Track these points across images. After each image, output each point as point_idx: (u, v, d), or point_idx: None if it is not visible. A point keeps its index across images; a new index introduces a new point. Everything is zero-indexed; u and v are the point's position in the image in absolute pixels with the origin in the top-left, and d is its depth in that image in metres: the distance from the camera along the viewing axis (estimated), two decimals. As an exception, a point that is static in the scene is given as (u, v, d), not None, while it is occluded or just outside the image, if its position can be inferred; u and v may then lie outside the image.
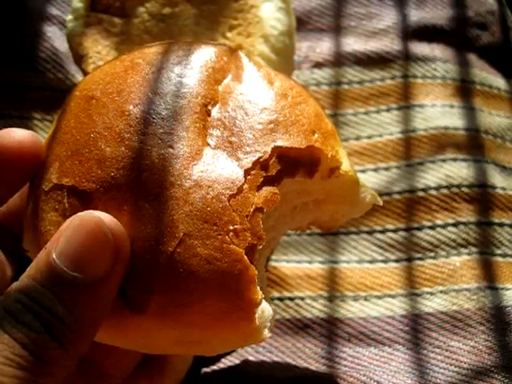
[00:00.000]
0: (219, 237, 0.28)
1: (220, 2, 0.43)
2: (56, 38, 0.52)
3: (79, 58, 0.43)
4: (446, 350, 0.41)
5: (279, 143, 0.31)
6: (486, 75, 0.54)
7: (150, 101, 0.31)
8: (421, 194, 0.47)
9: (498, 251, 0.45)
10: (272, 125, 0.31)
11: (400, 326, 0.42)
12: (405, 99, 0.51)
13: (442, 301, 0.43)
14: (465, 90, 0.52)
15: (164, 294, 0.28)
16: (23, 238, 0.33)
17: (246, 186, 0.29)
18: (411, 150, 0.49)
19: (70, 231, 0.27)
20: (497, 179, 0.48)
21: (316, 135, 0.33)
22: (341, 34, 0.55)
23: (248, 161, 0.30)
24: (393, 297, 0.44)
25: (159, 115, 0.31)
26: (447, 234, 0.46)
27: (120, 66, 0.33)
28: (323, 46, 0.54)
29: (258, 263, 0.31)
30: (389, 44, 0.54)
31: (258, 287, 0.29)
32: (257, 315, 0.29)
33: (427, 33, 0.55)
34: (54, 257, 0.26)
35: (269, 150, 0.31)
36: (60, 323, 0.26)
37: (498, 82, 0.54)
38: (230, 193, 0.29)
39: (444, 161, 0.48)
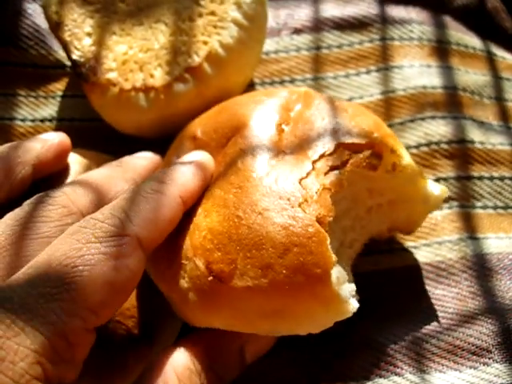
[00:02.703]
0: (293, 209, 0.32)
1: (194, -31, 0.44)
2: (37, 14, 0.53)
3: (56, 27, 0.44)
4: (431, 298, 0.42)
5: (342, 140, 0.35)
6: (462, 36, 0.54)
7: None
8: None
9: (479, 203, 0.46)
10: (335, 128, 0.36)
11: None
12: (383, 61, 0.52)
13: (425, 253, 0.44)
14: (441, 50, 0.53)
15: (246, 261, 0.31)
16: (151, 273, 0.35)
17: (314, 172, 0.34)
18: (391, 110, 0.50)
19: None
20: (475, 134, 0.49)
21: (376, 134, 0.37)
22: (318, 0, 0.55)
23: (315, 155, 0.34)
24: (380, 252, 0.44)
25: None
26: None
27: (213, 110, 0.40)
28: (301, 13, 0.54)
29: (333, 237, 0.34)
30: (366, 8, 0.54)
31: (331, 250, 0.31)
32: (333, 278, 0.31)
33: (403, -4, 0.55)
34: None
35: (332, 146, 0.35)
36: None
37: (474, 41, 0.54)
38: (300, 177, 0.33)
39: (423, 119, 0.49)
